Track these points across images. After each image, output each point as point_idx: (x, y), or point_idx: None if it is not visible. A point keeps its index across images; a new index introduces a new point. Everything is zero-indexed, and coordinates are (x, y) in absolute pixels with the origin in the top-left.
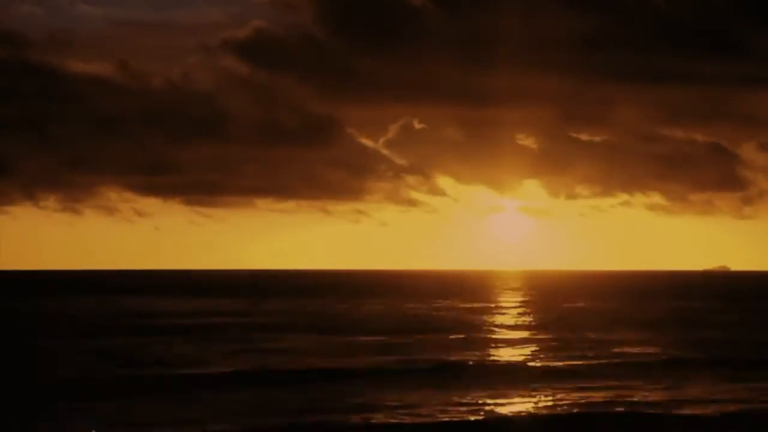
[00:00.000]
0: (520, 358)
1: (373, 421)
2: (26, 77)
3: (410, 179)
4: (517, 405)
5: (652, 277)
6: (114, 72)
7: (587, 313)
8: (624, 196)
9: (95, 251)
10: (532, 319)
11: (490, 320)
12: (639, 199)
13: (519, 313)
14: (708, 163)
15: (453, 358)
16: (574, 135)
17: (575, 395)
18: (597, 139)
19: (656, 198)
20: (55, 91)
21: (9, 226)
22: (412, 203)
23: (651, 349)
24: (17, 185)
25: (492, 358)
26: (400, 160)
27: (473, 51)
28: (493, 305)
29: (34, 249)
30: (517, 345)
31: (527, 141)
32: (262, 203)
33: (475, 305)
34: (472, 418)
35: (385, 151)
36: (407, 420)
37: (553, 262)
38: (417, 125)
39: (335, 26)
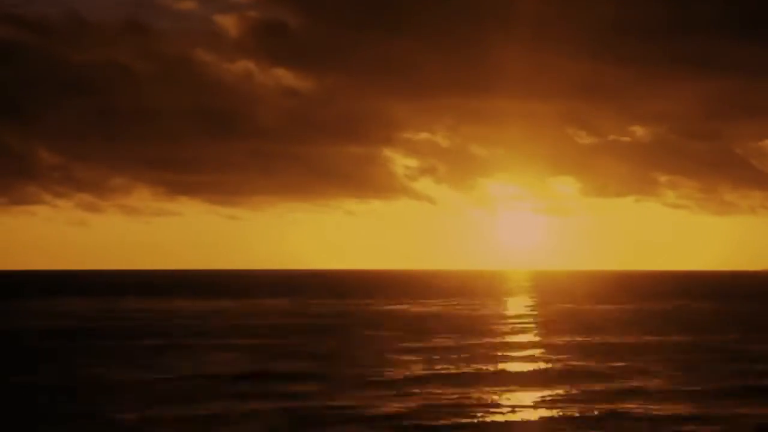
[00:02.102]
0: None
1: None
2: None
3: (430, 178)
4: None
5: (715, 278)
6: (131, 67)
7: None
8: (660, 195)
9: (118, 251)
10: (675, 321)
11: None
12: (666, 198)
13: (665, 318)
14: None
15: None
16: (604, 130)
17: None
18: (626, 136)
19: (690, 197)
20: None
21: (33, 226)
22: (432, 201)
23: None
24: (38, 184)
25: None
26: (421, 159)
27: (492, 45)
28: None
29: (59, 248)
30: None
31: (554, 138)
32: (281, 202)
33: (605, 306)
34: None
35: (405, 150)
36: None
37: (590, 262)
38: (438, 123)
39: (359, 21)
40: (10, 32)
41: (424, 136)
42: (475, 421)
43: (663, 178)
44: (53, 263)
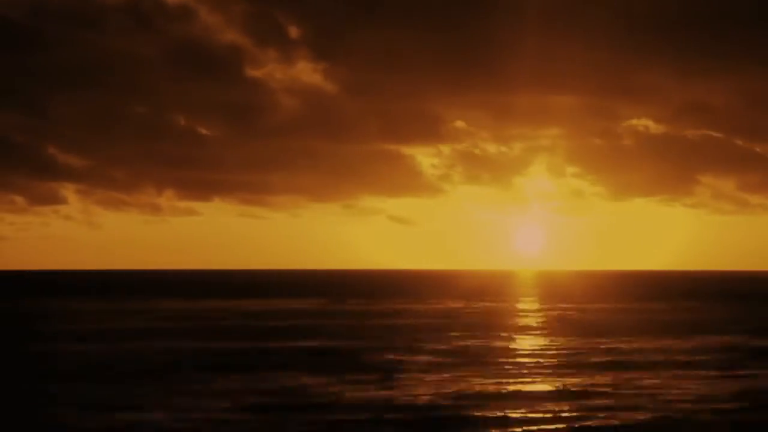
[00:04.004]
0: None
1: None
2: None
3: (457, 177)
4: None
5: None
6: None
7: None
8: (692, 195)
9: (142, 250)
10: None
11: None
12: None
13: None
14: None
15: None
16: (632, 127)
17: None
18: (652, 130)
19: (720, 197)
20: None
21: (53, 225)
22: (457, 200)
23: None
24: (57, 183)
25: None
26: (446, 158)
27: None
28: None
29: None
30: None
31: (581, 135)
32: (306, 202)
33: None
34: None
35: (431, 148)
36: None
37: (623, 263)
38: (465, 120)
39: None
40: (27, 20)
41: (450, 134)
42: None
43: (695, 177)
44: (77, 263)
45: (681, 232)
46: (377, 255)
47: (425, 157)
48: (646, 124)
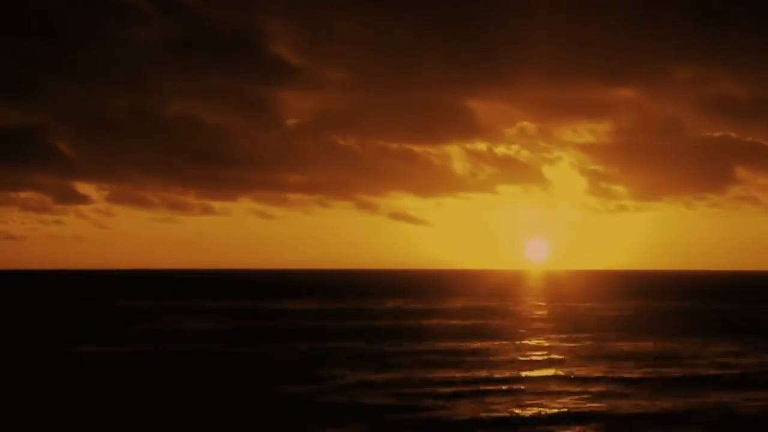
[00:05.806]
0: None
1: None
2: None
3: (481, 176)
4: None
5: None
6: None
7: None
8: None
9: (166, 250)
10: None
11: None
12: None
13: None
14: None
15: None
16: (665, 127)
17: None
18: (679, 130)
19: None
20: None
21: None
22: (466, 199)
23: None
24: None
25: None
26: (471, 160)
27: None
28: None
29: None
30: None
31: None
32: (326, 200)
33: None
34: None
35: (455, 147)
36: None
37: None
38: (487, 119)
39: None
40: (49, 14)
41: (469, 132)
42: None
43: (726, 176)
44: (98, 263)
45: (710, 231)
46: (393, 255)
47: (443, 156)
48: (671, 123)
